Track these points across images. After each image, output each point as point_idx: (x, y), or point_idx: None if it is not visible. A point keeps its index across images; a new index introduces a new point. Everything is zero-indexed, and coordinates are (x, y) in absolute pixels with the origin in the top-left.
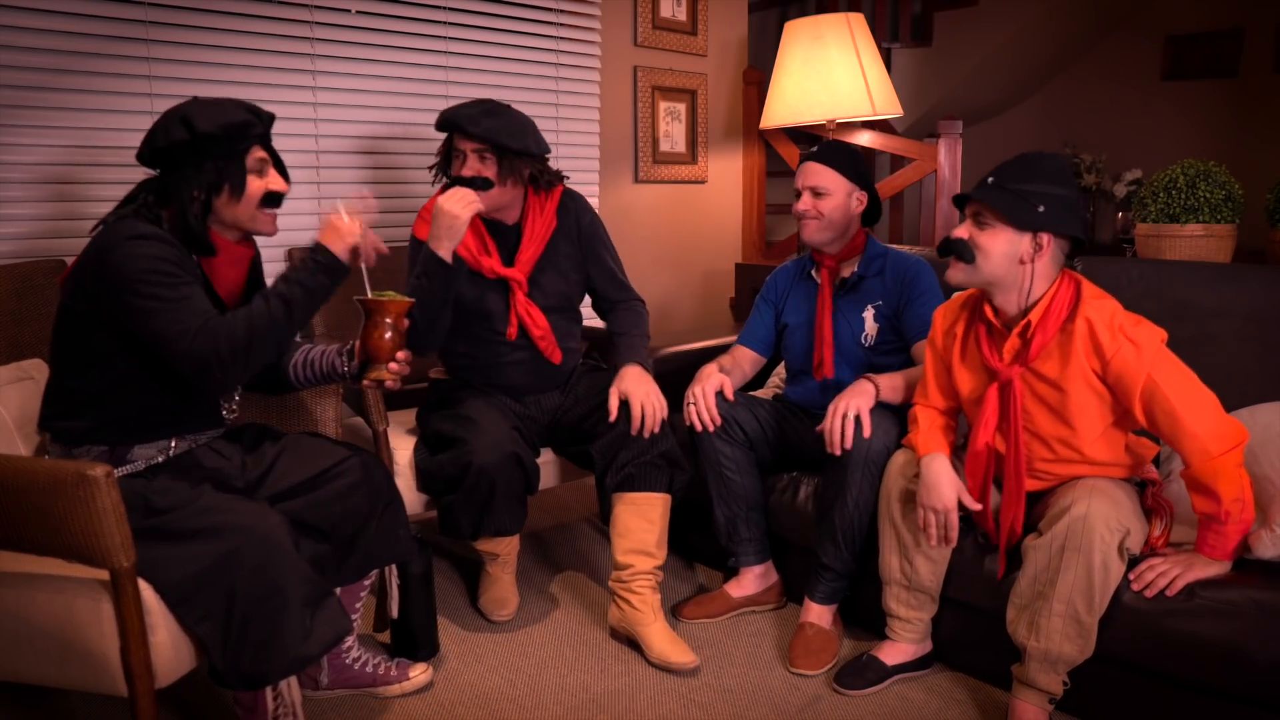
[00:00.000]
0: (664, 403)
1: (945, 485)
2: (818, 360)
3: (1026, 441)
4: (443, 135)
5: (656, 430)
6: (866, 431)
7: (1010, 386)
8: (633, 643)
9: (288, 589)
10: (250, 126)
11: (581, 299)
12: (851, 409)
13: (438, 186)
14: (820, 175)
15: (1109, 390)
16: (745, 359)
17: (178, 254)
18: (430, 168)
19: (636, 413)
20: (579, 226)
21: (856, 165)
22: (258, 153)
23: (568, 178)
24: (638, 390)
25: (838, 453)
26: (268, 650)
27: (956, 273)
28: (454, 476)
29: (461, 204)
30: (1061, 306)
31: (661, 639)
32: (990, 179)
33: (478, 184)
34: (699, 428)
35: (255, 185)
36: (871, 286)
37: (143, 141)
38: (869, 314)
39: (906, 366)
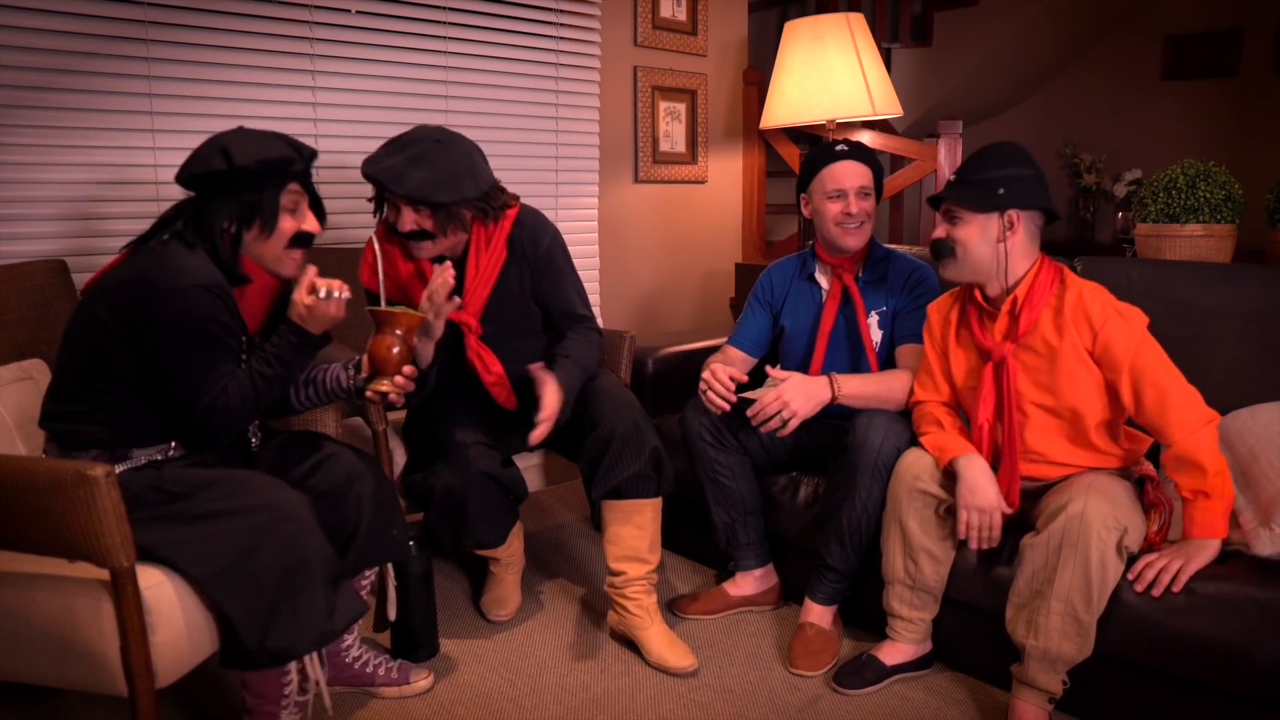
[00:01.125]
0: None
1: (989, 484)
2: (814, 371)
3: (1020, 422)
4: None
5: (543, 436)
6: (784, 431)
7: (1004, 364)
8: (633, 644)
9: (314, 564)
10: (290, 163)
11: (544, 318)
12: (788, 413)
13: (377, 225)
14: (866, 175)
15: (1097, 366)
16: (736, 359)
17: (228, 306)
18: (369, 199)
19: (551, 403)
20: (535, 252)
21: (878, 166)
22: (293, 189)
23: (518, 198)
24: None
25: (756, 424)
26: (295, 625)
27: (946, 270)
28: (426, 496)
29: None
30: (1045, 284)
31: (660, 642)
32: (953, 177)
33: (417, 236)
34: (723, 406)
35: (287, 224)
36: (875, 291)
37: (183, 164)
38: (873, 320)
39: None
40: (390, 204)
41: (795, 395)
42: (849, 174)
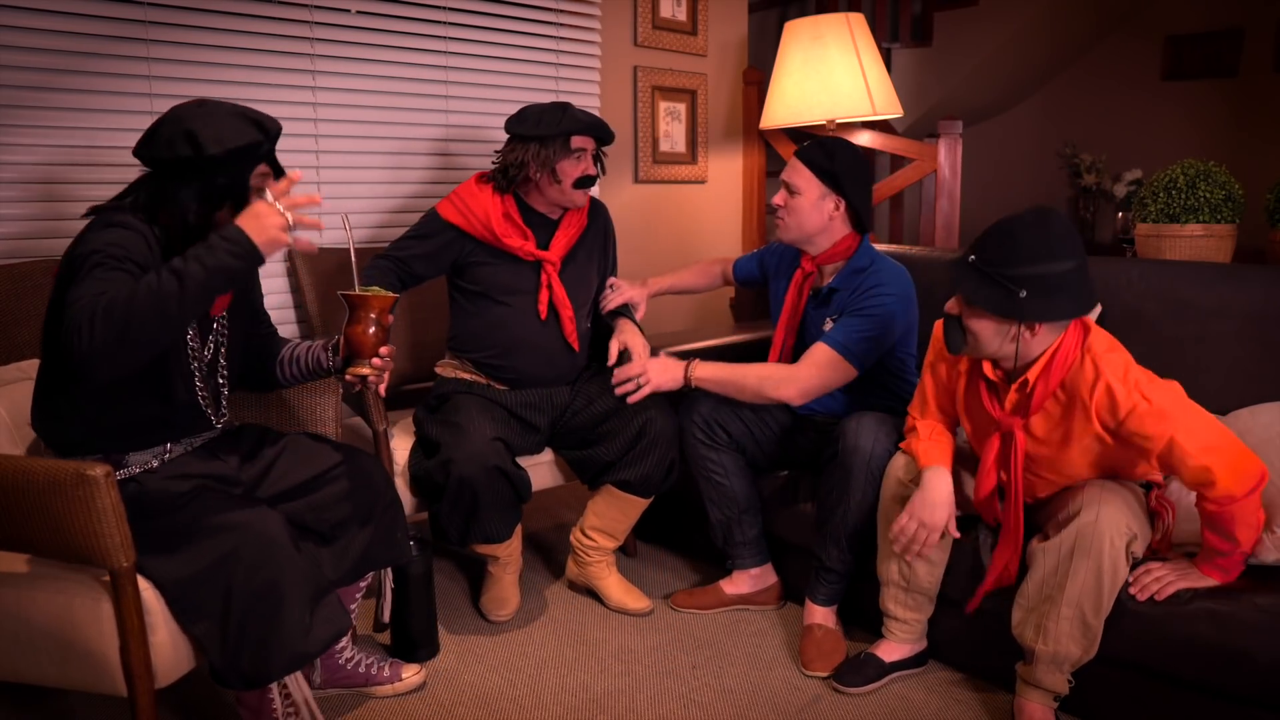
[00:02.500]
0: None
1: (942, 504)
2: (771, 358)
3: (1028, 483)
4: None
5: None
6: (635, 397)
7: (1012, 436)
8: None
9: (285, 587)
10: (258, 147)
11: (595, 301)
12: (645, 380)
13: (476, 176)
14: (794, 172)
15: (1115, 440)
16: (728, 269)
17: (145, 248)
18: (499, 163)
19: (637, 371)
20: (606, 232)
21: (834, 167)
22: (261, 169)
23: None
24: (637, 342)
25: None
26: (266, 649)
27: (959, 352)
28: (439, 485)
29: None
30: (1063, 361)
31: (618, 589)
32: (972, 256)
33: (595, 178)
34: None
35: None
36: (838, 300)
37: (142, 140)
38: (828, 326)
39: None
40: (573, 154)
41: (655, 368)
42: (789, 169)
